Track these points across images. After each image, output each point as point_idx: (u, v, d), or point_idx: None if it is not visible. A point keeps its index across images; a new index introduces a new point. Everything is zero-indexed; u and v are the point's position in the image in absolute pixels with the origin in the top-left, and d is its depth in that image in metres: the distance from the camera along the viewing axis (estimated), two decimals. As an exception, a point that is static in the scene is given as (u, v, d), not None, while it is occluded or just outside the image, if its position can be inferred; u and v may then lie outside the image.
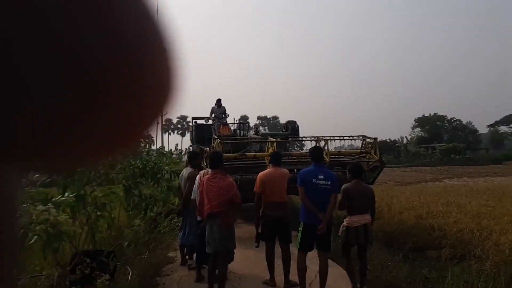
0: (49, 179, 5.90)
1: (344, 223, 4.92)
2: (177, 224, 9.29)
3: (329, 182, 4.69)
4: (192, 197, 5.83)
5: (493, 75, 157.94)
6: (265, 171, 5.38)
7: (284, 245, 5.17)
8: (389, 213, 9.39)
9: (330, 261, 5.06)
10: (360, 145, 9.13)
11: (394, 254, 6.32)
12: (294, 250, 5.06)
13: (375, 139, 8.72)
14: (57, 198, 4.89)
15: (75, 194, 5.01)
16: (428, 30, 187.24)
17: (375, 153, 8.55)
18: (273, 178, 5.20)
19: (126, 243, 6.16)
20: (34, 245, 4.34)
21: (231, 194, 4.66)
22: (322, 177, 4.70)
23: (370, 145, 8.83)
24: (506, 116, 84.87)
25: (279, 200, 5.15)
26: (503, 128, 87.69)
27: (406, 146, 71.80)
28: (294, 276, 4.94)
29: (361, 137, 8.98)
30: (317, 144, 8.15)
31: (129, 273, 5.12)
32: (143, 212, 7.01)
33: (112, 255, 4.86)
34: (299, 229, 4.81)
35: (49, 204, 4.52)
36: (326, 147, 8.25)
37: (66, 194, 4.96)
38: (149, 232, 7.66)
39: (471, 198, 10.88)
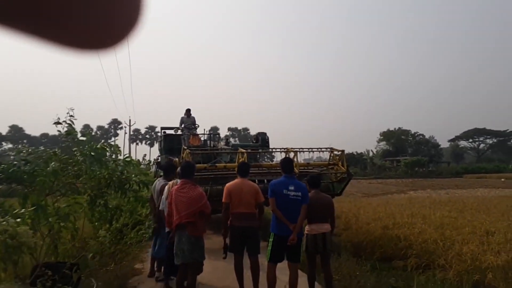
0: (10, 190, 5.66)
1: (305, 231, 4.98)
2: (144, 235, 9.08)
3: (300, 193, 4.72)
4: (160, 207, 5.72)
5: (455, 91, 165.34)
6: (232, 182, 5.34)
7: (252, 256, 5.13)
8: (356, 223, 9.54)
9: (299, 271, 5.06)
10: (328, 157, 9.28)
11: (362, 264, 6.41)
12: (263, 261, 5.04)
13: (342, 151, 8.90)
14: (16, 211, 4.68)
15: (34, 207, 4.80)
16: (396, 46, 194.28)
17: (342, 165, 8.72)
18: (240, 189, 5.16)
19: (91, 254, 5.93)
20: (-8, 257, 4.13)
21: (201, 204, 4.60)
22: (292, 188, 4.73)
23: (337, 157, 9.00)
24: (465, 132, 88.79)
25: (246, 211, 5.10)
26: (463, 143, 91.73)
27: (372, 159, 73.51)
28: (263, 287, 4.91)
29: (329, 149, 9.15)
30: (287, 156, 8.21)
31: (94, 285, 4.93)
32: (108, 223, 6.79)
33: (76, 267, 4.67)
34: (270, 239, 4.81)
35: (8, 216, 4.32)
36: (295, 159, 8.33)
37: (25, 206, 4.77)
38: (115, 243, 7.42)
39: (434, 209, 11.22)
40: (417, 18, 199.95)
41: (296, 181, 4.90)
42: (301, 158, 9.30)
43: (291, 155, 8.42)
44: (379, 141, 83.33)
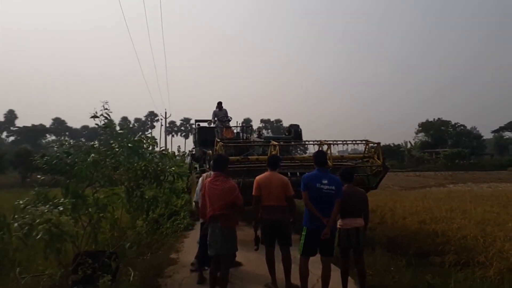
0: (53, 180, 5.93)
1: (337, 225, 4.92)
2: (179, 225, 9.32)
3: (333, 187, 4.65)
4: (194, 199, 5.82)
5: (498, 81, 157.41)
6: (261, 175, 5.36)
7: (284, 248, 5.17)
8: (392, 218, 9.36)
9: (332, 266, 5.03)
10: (363, 150, 9.09)
11: (397, 259, 6.28)
12: (296, 253, 5.04)
13: (378, 143, 8.67)
14: (56, 200, 4.91)
15: (73, 193, 5.02)
16: (434, 36, 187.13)
17: (378, 158, 8.49)
18: (269, 182, 5.18)
19: (128, 244, 6.15)
20: (37, 245, 4.35)
21: (233, 197, 4.64)
22: (326, 181, 4.66)
23: (373, 149, 8.78)
24: (511, 122, 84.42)
25: (276, 204, 5.11)
26: (507, 134, 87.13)
27: (410, 151, 71.37)
28: (296, 280, 4.92)
29: (364, 142, 8.94)
30: (320, 148, 8.12)
31: (131, 274, 5.12)
32: (145, 214, 6.99)
33: (114, 256, 4.85)
34: (302, 233, 4.79)
35: (48, 205, 4.53)
36: (329, 151, 8.22)
37: (67, 197, 4.99)
38: (151, 233, 7.66)
39: (475, 204, 10.82)
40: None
41: (330, 175, 4.82)
42: (335, 150, 9.14)
43: (325, 147, 8.31)
44: (417, 132, 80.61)
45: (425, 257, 6.55)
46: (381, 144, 8.75)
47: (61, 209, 4.65)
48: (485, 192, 16.39)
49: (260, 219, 5.24)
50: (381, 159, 8.41)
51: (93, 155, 5.62)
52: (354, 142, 9.29)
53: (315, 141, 8.73)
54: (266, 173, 5.36)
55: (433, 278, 5.24)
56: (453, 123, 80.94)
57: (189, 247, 7.43)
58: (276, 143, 8.28)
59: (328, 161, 7.86)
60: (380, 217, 9.65)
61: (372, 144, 8.80)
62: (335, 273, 5.03)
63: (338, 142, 8.73)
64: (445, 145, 72.86)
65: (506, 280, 4.99)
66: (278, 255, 5.22)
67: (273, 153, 7.94)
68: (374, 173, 8.60)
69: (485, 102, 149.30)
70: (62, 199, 5.02)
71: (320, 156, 5.04)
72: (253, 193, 5.25)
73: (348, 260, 4.98)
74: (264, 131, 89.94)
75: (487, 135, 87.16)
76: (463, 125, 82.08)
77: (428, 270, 5.77)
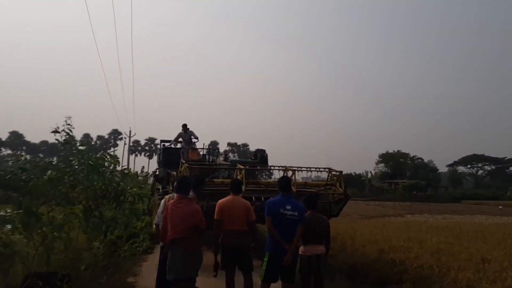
0: (5, 197, 5.63)
1: (299, 252, 4.94)
2: (138, 248, 9.02)
3: (296, 213, 4.67)
4: (155, 222, 5.68)
5: (454, 118, 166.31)
6: (224, 199, 5.32)
7: (246, 274, 5.11)
8: (352, 245, 9.47)
9: (293, 293, 5.01)
10: (326, 177, 9.25)
11: (356, 287, 6.34)
12: (257, 279, 4.99)
13: (341, 172, 8.85)
14: (5, 214, 4.64)
15: (25, 208, 4.77)
16: (398, 72, 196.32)
17: (340, 186, 8.65)
18: (232, 206, 5.16)
19: (83, 266, 5.88)
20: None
21: (196, 220, 4.56)
22: (289, 207, 4.68)
23: (335, 177, 8.96)
24: (464, 157, 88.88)
25: (238, 228, 5.07)
26: (461, 168, 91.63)
27: (370, 180, 73.38)
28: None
29: (327, 170, 9.11)
30: (285, 174, 8.20)
31: (84, 299, 4.87)
32: (103, 235, 6.74)
33: (67, 279, 4.62)
34: (264, 259, 4.75)
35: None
36: (293, 177, 8.31)
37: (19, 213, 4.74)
38: (108, 255, 7.37)
39: (431, 234, 11.15)
40: (418, 35, 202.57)
41: (293, 201, 4.85)
42: (300, 177, 9.25)
43: (289, 173, 8.39)
44: (377, 162, 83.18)
45: (383, 285, 6.66)
46: (343, 173, 8.95)
47: (9, 227, 4.40)
48: (440, 223, 16.98)
49: (221, 243, 5.18)
50: (343, 187, 8.58)
51: (49, 172, 5.41)
52: (318, 169, 9.44)
53: (280, 166, 8.81)
54: (228, 197, 5.33)
55: (391, 306, 5.31)
56: (411, 155, 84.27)
57: (148, 271, 7.18)
58: (242, 166, 8.28)
59: (292, 187, 8.00)
60: (340, 245, 9.75)
61: (334, 172, 8.98)
62: (296, 300, 5.00)
63: (303, 169, 8.84)
64: (404, 176, 75.38)
65: (459, 309, 5.13)
66: (238, 281, 5.14)
67: (239, 176, 7.93)
68: (336, 201, 8.74)
69: (442, 137, 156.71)
70: (10, 213, 4.75)
71: (284, 181, 5.07)
72: (215, 217, 5.20)
73: (309, 286, 4.98)
74: (230, 154, 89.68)
75: (442, 168, 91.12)
76: (421, 158, 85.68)
77: (385, 298, 5.85)
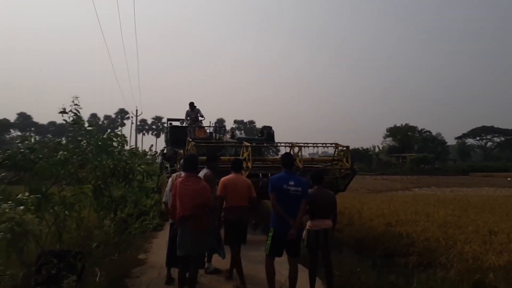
0: (16, 177, 5.70)
1: (306, 226, 5.01)
2: (148, 225, 9.18)
3: (300, 188, 4.71)
4: (164, 200, 5.76)
5: (462, 90, 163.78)
6: (227, 176, 5.54)
7: (238, 245, 5.41)
8: (359, 219, 9.57)
9: (300, 266, 5.10)
10: (333, 153, 9.26)
11: (364, 260, 6.42)
12: (263, 253, 5.09)
13: (347, 147, 8.85)
14: (19, 196, 4.72)
15: (38, 191, 4.87)
16: (402, 44, 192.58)
17: (347, 161, 8.67)
18: (235, 183, 5.40)
19: (95, 244, 6.01)
20: (-2, 244, 4.19)
21: (204, 198, 4.62)
22: (292, 183, 4.71)
23: (342, 153, 8.96)
24: (473, 129, 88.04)
25: (241, 204, 5.33)
26: (470, 141, 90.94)
27: (377, 155, 73.23)
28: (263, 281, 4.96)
29: (334, 145, 9.10)
30: (291, 150, 8.23)
31: (97, 274, 5.00)
32: (113, 213, 6.84)
33: (80, 256, 4.72)
34: (269, 234, 4.82)
35: (9, 202, 4.36)
36: (300, 154, 8.34)
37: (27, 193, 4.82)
38: (119, 233, 7.51)
39: (438, 207, 11.21)
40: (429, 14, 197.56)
41: (296, 176, 4.89)
42: (306, 153, 9.29)
43: (296, 149, 8.42)
44: (385, 137, 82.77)
45: (390, 258, 6.75)
46: (350, 148, 8.94)
47: (22, 208, 4.47)
48: (447, 196, 17.03)
49: (224, 219, 5.37)
50: (350, 162, 8.59)
51: (61, 152, 5.45)
52: (324, 145, 9.43)
53: (287, 143, 8.82)
54: (231, 175, 5.56)
55: (397, 278, 5.40)
56: (419, 128, 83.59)
57: (158, 247, 7.34)
58: (249, 144, 8.30)
59: (299, 163, 8.04)
60: (348, 219, 9.85)
61: (341, 148, 8.98)
62: (303, 274, 5.10)
63: (309, 145, 8.86)
64: (412, 150, 75.07)
65: (465, 280, 5.20)
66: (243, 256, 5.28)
67: (245, 154, 7.98)
68: (342, 176, 8.78)
69: (450, 109, 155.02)
70: (23, 195, 4.84)
71: (287, 158, 5.11)
72: (218, 193, 5.41)
73: (316, 260, 5.06)
74: (237, 132, 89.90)
75: (451, 141, 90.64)
76: (429, 131, 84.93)
77: (392, 270, 5.94)
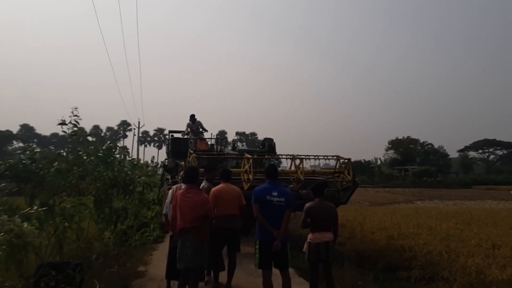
0: (17, 188, 5.70)
1: (307, 239, 4.98)
2: (148, 237, 9.13)
3: (283, 199, 4.67)
4: (164, 212, 5.74)
5: (464, 102, 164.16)
6: (217, 187, 5.66)
7: (232, 253, 5.57)
8: (361, 232, 9.49)
9: (301, 279, 5.06)
10: (334, 165, 9.24)
11: (365, 274, 6.35)
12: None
13: (349, 159, 8.82)
14: (25, 211, 4.71)
15: (43, 206, 4.86)
16: (406, 59, 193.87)
17: (348, 173, 8.63)
18: (226, 192, 5.54)
19: (95, 255, 5.98)
20: (-3, 255, 4.16)
21: (205, 209, 4.61)
22: (276, 194, 4.69)
23: (344, 165, 8.93)
24: (475, 142, 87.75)
25: (232, 213, 5.45)
26: (472, 154, 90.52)
27: (379, 167, 73.01)
28: None
29: (335, 157, 9.08)
30: (293, 163, 8.26)
31: (96, 287, 4.96)
32: (113, 225, 6.83)
33: (79, 268, 4.69)
34: (256, 247, 4.75)
35: (16, 216, 4.35)
36: (301, 166, 8.33)
37: (35, 206, 4.81)
38: (119, 245, 7.47)
39: (441, 220, 11.12)
40: (432, 22, 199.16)
41: (280, 187, 4.87)
42: (308, 165, 9.25)
43: (297, 162, 8.41)
44: (387, 149, 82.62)
45: (392, 271, 6.67)
46: (352, 160, 8.92)
47: (26, 221, 4.45)
48: (450, 209, 16.91)
49: (215, 228, 5.36)
50: (351, 175, 8.56)
51: (56, 163, 5.46)
52: (325, 157, 9.41)
53: (288, 155, 8.82)
54: (221, 185, 5.68)
55: (399, 292, 5.33)
56: (421, 141, 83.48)
57: (158, 260, 7.28)
58: (250, 156, 8.29)
59: (300, 175, 8.03)
60: (349, 232, 9.77)
61: (343, 160, 8.95)
62: (305, 286, 5.05)
63: (310, 157, 8.83)
64: (414, 163, 74.86)
65: (468, 295, 5.13)
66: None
67: (246, 166, 7.98)
68: (344, 188, 8.73)
69: (452, 122, 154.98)
70: (27, 208, 4.83)
71: (271, 169, 5.12)
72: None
73: (317, 274, 5.01)
74: (239, 143, 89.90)
75: (453, 154, 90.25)
76: (431, 144, 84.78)
77: (395, 284, 5.88)
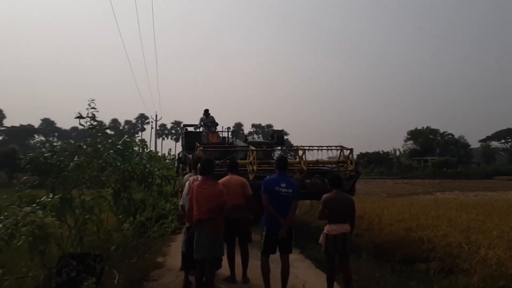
0: (38, 181, 5.84)
1: (324, 231, 4.97)
2: (167, 229, 9.26)
3: (291, 190, 4.94)
4: (180, 203, 5.81)
5: (486, 91, 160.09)
6: (222, 179, 5.74)
7: (244, 245, 5.66)
8: (379, 224, 9.43)
9: (318, 271, 5.07)
10: (338, 155, 9.47)
11: (383, 265, 6.33)
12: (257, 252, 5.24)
13: (351, 149, 9.10)
14: (42, 199, 4.86)
15: (59, 196, 4.99)
16: (422, 45, 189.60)
17: (351, 163, 8.78)
18: (230, 183, 5.62)
19: (114, 247, 6.10)
20: (21, 247, 4.29)
21: (221, 201, 4.65)
22: (284, 185, 4.95)
23: (346, 155, 9.11)
24: (498, 132, 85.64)
25: (236, 203, 5.48)
26: (494, 143, 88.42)
27: (398, 158, 71.98)
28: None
29: (338, 148, 9.30)
30: (297, 154, 8.61)
31: (116, 277, 5.07)
32: (132, 217, 6.93)
33: (99, 259, 4.80)
34: (262, 233, 5.01)
35: (34, 205, 4.48)
36: (304, 157, 8.68)
37: (51, 196, 4.94)
38: (137, 236, 7.60)
39: (461, 212, 10.93)
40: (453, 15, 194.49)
41: (288, 179, 5.15)
42: (315, 157, 9.48)
43: (300, 153, 8.74)
44: (406, 140, 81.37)
45: (410, 263, 6.62)
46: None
47: (42, 212, 4.57)
48: (471, 201, 16.58)
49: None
50: (354, 164, 8.79)
51: (76, 157, 5.56)
52: (329, 148, 9.57)
53: (293, 146, 9.17)
54: (227, 177, 5.81)
55: (418, 284, 5.30)
56: (441, 131, 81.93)
57: (176, 251, 7.38)
58: (254, 148, 8.57)
59: (303, 166, 8.39)
60: (367, 223, 9.72)
61: (346, 150, 9.12)
62: (321, 278, 5.06)
63: (313, 148, 9.12)
64: (433, 153, 73.62)
65: (488, 287, 5.05)
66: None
67: (251, 157, 8.44)
68: (347, 178, 8.88)
69: (473, 111, 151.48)
70: (45, 198, 4.97)
71: (281, 161, 5.37)
72: None
73: (334, 265, 5.01)
74: (255, 135, 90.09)
75: (474, 144, 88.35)
76: (451, 134, 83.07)
77: (413, 276, 5.83)
